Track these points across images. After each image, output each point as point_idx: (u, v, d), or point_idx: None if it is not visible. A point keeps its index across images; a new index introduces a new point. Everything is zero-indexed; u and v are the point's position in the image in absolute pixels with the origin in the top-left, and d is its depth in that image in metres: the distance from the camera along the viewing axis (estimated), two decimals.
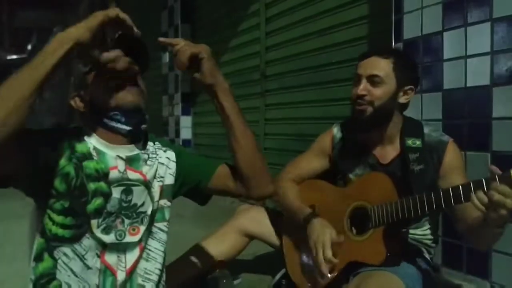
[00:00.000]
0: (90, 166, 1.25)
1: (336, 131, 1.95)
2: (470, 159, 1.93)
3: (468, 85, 1.97)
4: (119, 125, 1.29)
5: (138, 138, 1.34)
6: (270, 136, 3.87)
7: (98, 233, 1.25)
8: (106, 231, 1.26)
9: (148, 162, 1.36)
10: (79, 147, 1.26)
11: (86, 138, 1.29)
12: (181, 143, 5.29)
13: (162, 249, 1.38)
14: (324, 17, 3.16)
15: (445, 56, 2.07)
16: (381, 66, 1.71)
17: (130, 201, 1.30)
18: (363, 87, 1.70)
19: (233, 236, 2.03)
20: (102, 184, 1.25)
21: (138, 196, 1.32)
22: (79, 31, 1.13)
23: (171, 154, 1.44)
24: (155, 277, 1.35)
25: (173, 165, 1.42)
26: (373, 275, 1.59)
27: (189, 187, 1.45)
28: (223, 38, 4.60)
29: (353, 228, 1.78)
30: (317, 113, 3.26)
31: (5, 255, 2.54)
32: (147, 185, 1.34)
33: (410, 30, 2.22)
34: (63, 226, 1.23)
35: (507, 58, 1.83)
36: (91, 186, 1.24)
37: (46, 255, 1.24)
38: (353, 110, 1.76)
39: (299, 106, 3.48)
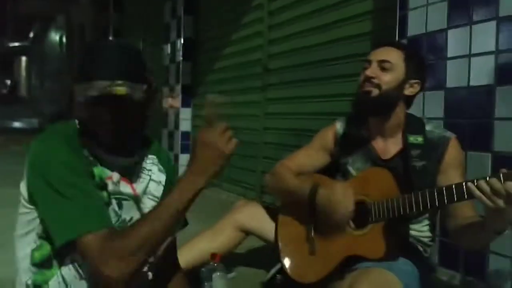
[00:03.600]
0: (97, 173, 1.22)
1: (339, 126, 1.93)
2: (471, 159, 1.91)
3: (471, 84, 1.95)
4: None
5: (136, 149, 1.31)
6: (270, 130, 3.85)
7: None
8: None
9: (142, 176, 1.33)
10: (85, 151, 1.23)
11: (85, 143, 1.24)
12: (180, 136, 5.27)
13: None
14: (328, 11, 3.14)
15: (449, 54, 2.05)
16: (393, 54, 1.73)
17: (121, 215, 1.27)
18: (372, 70, 1.72)
19: (229, 231, 2.01)
20: (104, 194, 1.22)
21: (127, 210, 1.28)
22: (205, 181, 1.15)
23: (163, 177, 1.39)
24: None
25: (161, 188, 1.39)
26: (369, 272, 1.57)
27: None
28: (226, 31, 4.57)
29: (351, 222, 1.77)
30: (318, 109, 3.23)
31: (8, 241, 2.52)
32: (137, 200, 1.31)
33: (414, 26, 2.20)
34: None
35: (511, 58, 1.80)
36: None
37: (55, 263, 1.21)
38: (358, 93, 1.77)
39: (300, 101, 3.47)
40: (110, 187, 1.24)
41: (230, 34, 4.49)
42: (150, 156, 1.38)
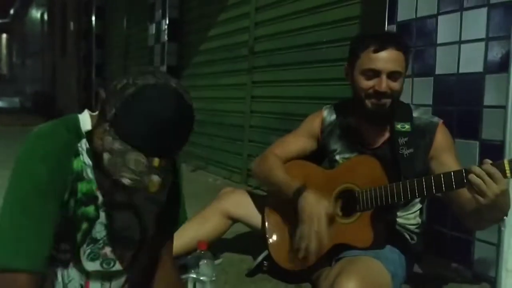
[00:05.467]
0: (81, 188, 1.11)
1: (326, 113, 1.92)
2: (458, 147, 1.90)
3: (460, 71, 1.94)
4: None
5: None
6: (256, 113, 3.82)
7: (84, 261, 1.15)
8: (91, 258, 1.16)
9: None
10: (76, 163, 1.10)
11: (82, 148, 1.12)
12: None
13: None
14: None
15: (439, 41, 2.03)
16: (399, 61, 1.69)
17: (111, 227, 1.18)
18: (385, 84, 1.67)
19: (216, 219, 2.00)
20: (90, 209, 1.13)
21: (122, 220, 1.20)
22: None
23: (168, 177, 1.25)
24: None
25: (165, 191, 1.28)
26: (357, 261, 1.57)
27: None
28: (212, 11, 4.50)
29: (339, 210, 1.76)
30: (305, 93, 3.21)
31: None
32: (134, 206, 1.22)
33: (404, 11, 2.17)
34: (56, 249, 1.12)
35: (501, 45, 1.79)
36: (80, 211, 1.12)
37: None
38: (363, 101, 1.72)
39: (287, 85, 3.44)
40: (101, 198, 1.14)
41: (216, 15, 4.42)
42: None
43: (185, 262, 1.86)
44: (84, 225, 1.14)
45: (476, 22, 1.87)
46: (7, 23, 24.69)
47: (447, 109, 1.98)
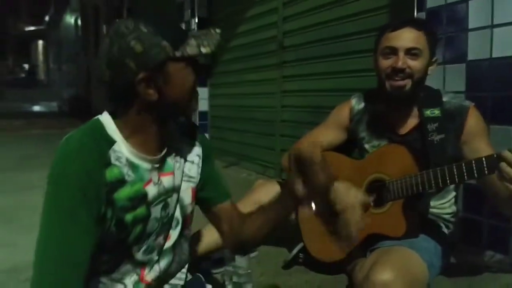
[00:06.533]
0: (121, 197, 1.07)
1: (354, 102, 1.91)
2: (493, 132, 1.88)
3: (493, 56, 1.90)
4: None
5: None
6: (287, 108, 3.83)
7: (139, 256, 1.17)
8: (148, 252, 1.18)
9: (176, 160, 1.23)
10: (109, 173, 1.05)
11: (116, 151, 1.08)
12: (197, 115, 5.27)
13: (188, 247, 1.34)
14: None
15: (470, 26, 1.99)
16: (419, 39, 1.66)
17: (168, 213, 1.21)
18: (402, 60, 1.65)
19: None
20: (141, 210, 1.12)
21: (172, 204, 1.22)
22: None
23: (199, 150, 1.31)
24: (182, 276, 1.32)
25: (199, 162, 1.30)
26: (392, 251, 1.56)
27: (202, 196, 1.35)
28: (240, 8, 4.52)
29: (370, 200, 1.76)
30: (335, 85, 3.20)
31: (24, 226, 2.57)
32: (177, 188, 1.23)
33: None
34: (99, 261, 1.11)
35: None
36: (128, 217, 1.09)
37: None
38: (384, 84, 1.71)
39: (316, 78, 3.43)
40: (152, 192, 1.14)
41: (244, 11, 4.44)
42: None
43: (221, 255, 1.89)
44: (138, 228, 1.13)
45: (509, 4, 1.83)
46: (43, 30, 25.38)
47: (481, 95, 1.94)
